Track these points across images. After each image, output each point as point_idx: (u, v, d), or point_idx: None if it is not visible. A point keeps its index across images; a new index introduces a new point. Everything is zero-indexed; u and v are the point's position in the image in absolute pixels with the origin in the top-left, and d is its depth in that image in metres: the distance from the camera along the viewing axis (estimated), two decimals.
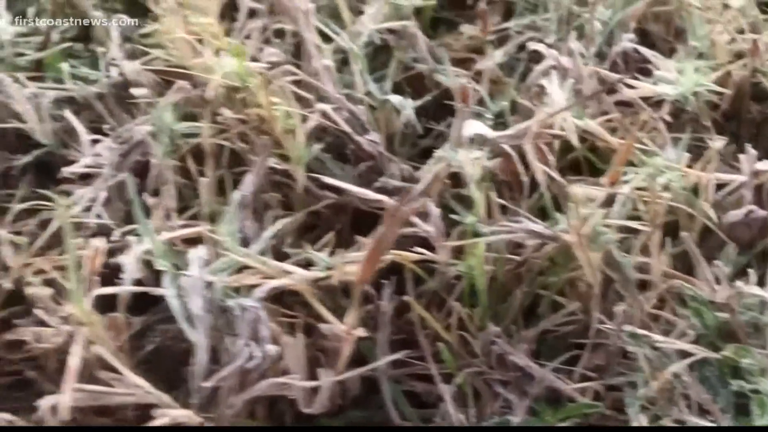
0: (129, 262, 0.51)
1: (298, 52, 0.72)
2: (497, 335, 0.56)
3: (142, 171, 0.65)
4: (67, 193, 0.63)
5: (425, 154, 0.70)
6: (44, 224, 0.63)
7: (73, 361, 0.45)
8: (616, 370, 0.56)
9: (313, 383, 0.50)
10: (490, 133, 0.59)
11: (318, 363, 0.53)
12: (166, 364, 0.54)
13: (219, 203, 0.60)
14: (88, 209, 0.61)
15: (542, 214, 0.60)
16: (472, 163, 0.57)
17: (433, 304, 0.58)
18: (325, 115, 0.62)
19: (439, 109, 0.73)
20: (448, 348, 0.56)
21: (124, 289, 0.50)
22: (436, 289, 0.57)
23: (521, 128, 0.58)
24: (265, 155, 0.57)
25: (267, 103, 0.57)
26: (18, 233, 0.62)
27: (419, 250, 0.56)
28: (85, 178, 0.65)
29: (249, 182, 0.56)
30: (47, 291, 0.49)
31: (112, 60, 0.70)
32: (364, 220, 0.64)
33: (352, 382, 0.55)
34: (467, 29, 0.78)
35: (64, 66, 0.71)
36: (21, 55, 0.73)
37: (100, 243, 0.50)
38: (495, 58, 0.74)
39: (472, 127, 0.59)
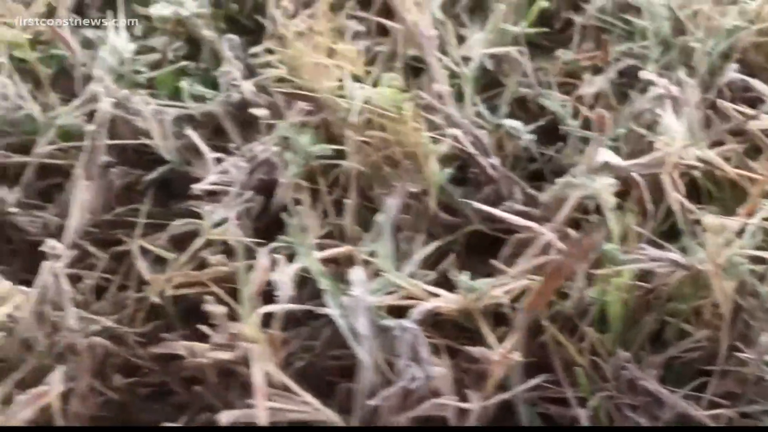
0: (284, 280, 0.52)
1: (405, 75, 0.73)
2: (628, 360, 0.57)
3: (266, 190, 0.66)
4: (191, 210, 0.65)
5: (534, 178, 0.71)
6: (174, 239, 0.64)
7: (258, 379, 0.46)
8: (748, 398, 0.57)
9: (470, 405, 0.51)
10: (622, 162, 0.60)
11: (462, 384, 0.54)
12: (311, 381, 0.55)
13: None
14: (216, 225, 0.63)
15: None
16: (607, 190, 0.58)
17: (565, 329, 0.59)
18: (455, 139, 0.63)
19: (544, 132, 0.74)
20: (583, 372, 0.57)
21: (288, 307, 0.51)
22: (570, 313, 0.58)
23: (656, 157, 0.60)
24: (408, 179, 0.58)
25: (414, 128, 0.58)
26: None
27: None
28: (210, 195, 0.66)
29: (392, 205, 0.57)
30: (222, 308, 0.50)
31: (233, 80, 0.71)
32: (475, 242, 0.66)
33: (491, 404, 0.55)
34: (562, 54, 0.79)
35: (183, 84, 0.73)
36: (138, 72, 0.75)
37: (265, 261, 0.51)
38: (596, 84, 0.76)
39: (604, 154, 0.60)
